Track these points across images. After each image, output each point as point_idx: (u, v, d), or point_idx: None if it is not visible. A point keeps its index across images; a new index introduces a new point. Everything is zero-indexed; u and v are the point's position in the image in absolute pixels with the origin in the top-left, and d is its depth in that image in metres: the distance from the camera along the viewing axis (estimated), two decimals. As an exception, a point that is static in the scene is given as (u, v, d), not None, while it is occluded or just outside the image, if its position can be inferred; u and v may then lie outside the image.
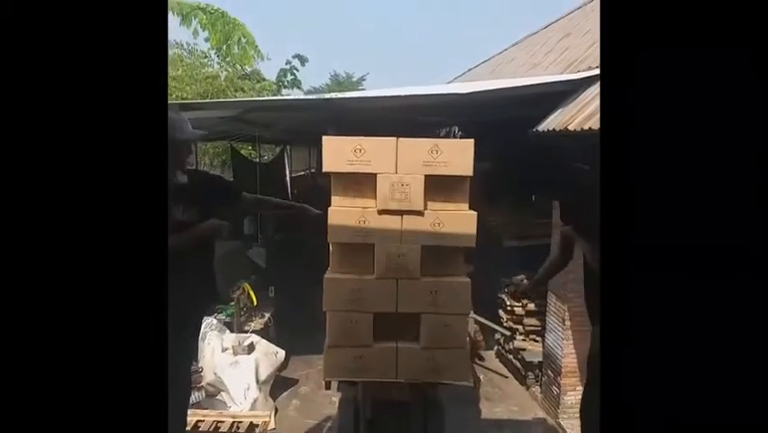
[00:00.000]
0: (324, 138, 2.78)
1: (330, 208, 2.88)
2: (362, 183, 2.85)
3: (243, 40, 6.30)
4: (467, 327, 3.11)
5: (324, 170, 2.85)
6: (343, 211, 2.87)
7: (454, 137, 6.26)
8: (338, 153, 2.79)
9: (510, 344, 6.93)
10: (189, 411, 5.57)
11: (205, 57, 10.31)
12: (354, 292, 2.87)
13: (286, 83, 12.80)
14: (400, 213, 2.83)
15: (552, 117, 5.92)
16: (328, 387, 3.05)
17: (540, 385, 6.37)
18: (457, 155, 2.76)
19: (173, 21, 6.48)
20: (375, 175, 2.80)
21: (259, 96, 10.21)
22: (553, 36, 9.06)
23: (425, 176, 2.79)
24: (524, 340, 6.75)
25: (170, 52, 9.80)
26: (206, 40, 6.33)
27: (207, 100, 6.60)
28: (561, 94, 5.96)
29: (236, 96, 9.55)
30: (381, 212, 2.83)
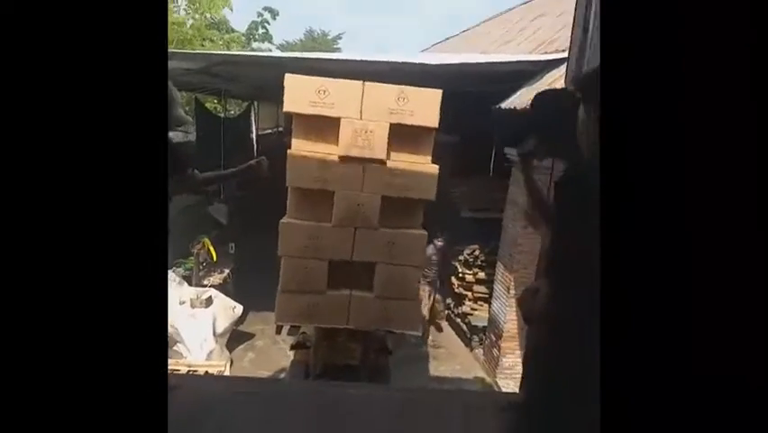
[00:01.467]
0: (286, 75, 2.53)
1: (289, 152, 2.65)
2: (325, 127, 2.62)
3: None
4: (420, 279, 2.97)
5: (284, 109, 2.60)
6: (303, 156, 2.64)
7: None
8: (301, 93, 2.54)
9: (459, 309, 6.94)
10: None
11: (172, 1, 9.42)
12: (311, 239, 2.67)
13: (256, 36, 11.99)
14: (362, 161, 2.62)
15: (515, 96, 5.81)
16: (279, 331, 2.87)
17: (483, 348, 6.42)
18: (424, 105, 2.56)
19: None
20: (338, 119, 2.58)
21: (227, 47, 9.60)
22: (530, 14, 8.89)
23: (390, 124, 2.58)
24: (472, 306, 6.77)
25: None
26: None
27: (173, 50, 6.08)
28: (527, 73, 5.85)
29: (203, 46, 8.87)
30: (343, 158, 2.61)
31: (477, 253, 6.85)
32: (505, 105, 5.71)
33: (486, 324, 6.40)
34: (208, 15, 7.95)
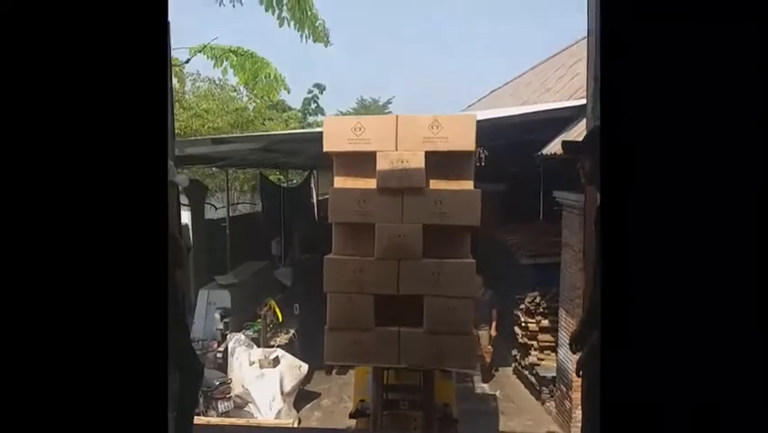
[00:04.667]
0: (325, 119, 2.49)
1: (330, 189, 2.55)
2: (364, 163, 2.51)
3: (270, 77, 6.25)
4: (473, 312, 2.66)
5: (324, 149, 2.53)
6: (344, 191, 2.53)
7: (479, 158, 5.91)
8: (338, 133, 2.48)
9: (526, 360, 6.30)
10: (218, 420, 5.23)
11: (235, 90, 10.35)
12: (355, 273, 2.48)
13: (310, 111, 12.79)
14: (401, 191, 2.46)
15: (555, 142, 5.59)
16: (330, 372, 2.62)
17: (554, 400, 5.70)
18: (458, 130, 2.40)
19: (206, 62, 6.60)
20: (375, 153, 2.47)
21: (286, 124, 10.18)
22: (569, 60, 8.74)
23: (427, 153, 2.43)
24: (538, 356, 6.13)
25: (203, 87, 9.87)
26: (235, 75, 6.35)
27: (238, 135, 6.51)
28: (564, 119, 5.66)
29: (265, 126, 9.49)
30: (381, 190, 2.46)
31: (538, 300, 6.30)
32: (546, 151, 5.50)
33: (554, 374, 5.73)
34: (266, 99, 8.55)
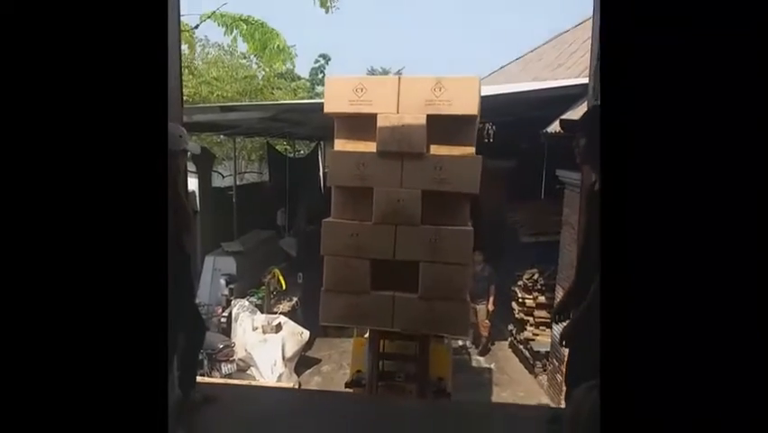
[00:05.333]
0: (326, 78, 2.39)
1: (330, 152, 2.46)
2: (365, 125, 2.41)
3: (279, 47, 6.09)
4: (469, 279, 2.60)
5: (325, 110, 2.44)
6: (344, 154, 2.44)
7: (488, 133, 5.70)
8: (340, 93, 2.37)
9: (521, 334, 6.30)
10: (221, 381, 5.29)
11: (245, 57, 10.19)
12: (352, 237, 2.41)
13: (318, 80, 12.72)
14: (401, 156, 2.37)
15: (560, 119, 5.44)
16: (326, 332, 2.60)
17: (546, 373, 5.71)
18: (461, 93, 2.29)
19: (216, 29, 6.41)
20: (376, 116, 2.37)
21: (294, 94, 10.04)
22: (583, 35, 8.40)
23: (429, 116, 2.33)
24: (533, 331, 6.12)
25: (212, 54, 9.67)
26: (244, 42, 6.17)
27: (246, 103, 6.41)
28: (573, 96, 5.49)
29: (273, 94, 9.35)
30: (381, 154, 2.37)
31: (536, 277, 6.24)
32: (550, 129, 5.36)
33: (548, 349, 5.73)
34: (275, 67, 8.42)
